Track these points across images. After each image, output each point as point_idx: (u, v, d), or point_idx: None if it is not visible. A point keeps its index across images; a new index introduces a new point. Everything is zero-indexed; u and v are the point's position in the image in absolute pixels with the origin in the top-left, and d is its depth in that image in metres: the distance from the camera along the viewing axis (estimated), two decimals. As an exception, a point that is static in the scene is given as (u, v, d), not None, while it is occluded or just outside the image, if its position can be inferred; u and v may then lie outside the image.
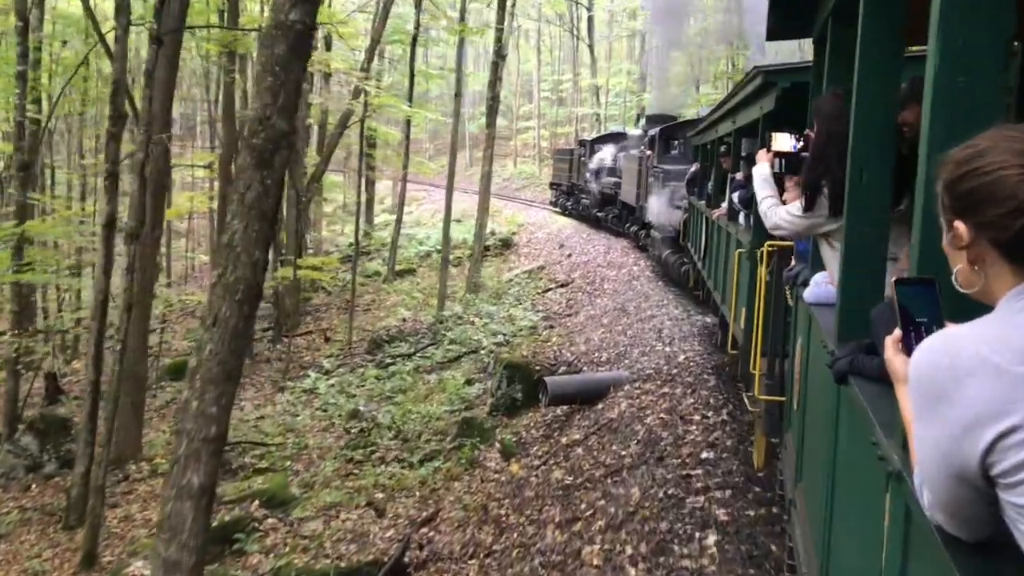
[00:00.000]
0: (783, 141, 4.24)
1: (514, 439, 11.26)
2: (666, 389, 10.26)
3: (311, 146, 25.62)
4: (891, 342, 1.68)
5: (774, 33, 5.27)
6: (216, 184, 22.69)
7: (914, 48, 3.87)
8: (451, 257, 28.29)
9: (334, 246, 35.38)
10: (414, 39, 26.44)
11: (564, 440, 10.44)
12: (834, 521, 2.93)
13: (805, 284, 4.16)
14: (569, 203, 32.33)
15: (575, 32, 47.32)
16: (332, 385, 16.79)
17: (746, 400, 6.96)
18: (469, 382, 14.97)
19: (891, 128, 3.04)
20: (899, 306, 1.62)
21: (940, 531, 1.46)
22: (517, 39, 62.77)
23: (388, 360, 17.61)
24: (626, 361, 12.25)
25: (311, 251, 33.35)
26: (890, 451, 1.96)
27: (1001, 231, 1.35)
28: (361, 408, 14.04)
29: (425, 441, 12.36)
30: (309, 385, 16.96)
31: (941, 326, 1.58)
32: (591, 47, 45.15)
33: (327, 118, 26.36)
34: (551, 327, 17.61)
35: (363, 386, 16.23)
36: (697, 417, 8.77)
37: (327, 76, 25.70)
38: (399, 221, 27.17)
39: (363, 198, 22.64)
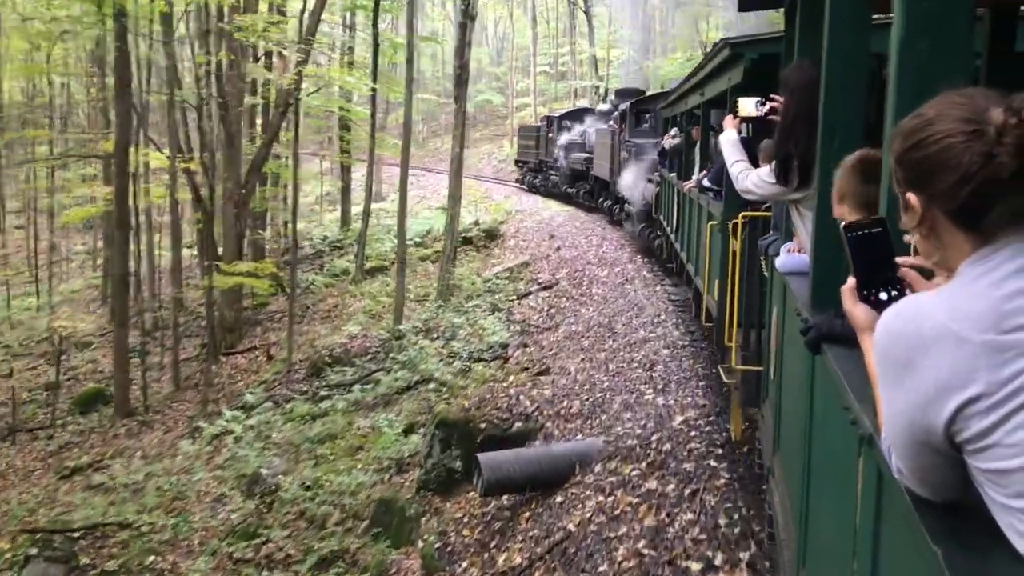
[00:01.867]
0: (748, 106, 4.28)
1: (439, 543, 7.87)
2: (652, 484, 6.75)
3: (256, 127, 22.36)
4: (847, 291, 1.76)
5: (747, 4, 5.43)
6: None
7: (881, 16, 3.90)
8: (428, 253, 25.35)
9: (306, 240, 32.22)
10: (376, 3, 23.01)
11: (501, 560, 7.01)
12: (811, 488, 3.00)
13: (778, 253, 4.17)
14: (537, 180, 32.00)
15: (572, -1, 44.00)
16: (251, 427, 13.57)
17: (722, 372, 6.75)
18: (410, 429, 11.67)
19: (861, 95, 3.10)
20: (851, 252, 1.65)
21: (910, 493, 1.50)
22: (511, 8, 59.54)
23: (324, 392, 14.38)
24: (603, 417, 8.73)
25: (284, 244, 30.42)
26: (861, 415, 2.01)
27: (951, 200, 1.38)
28: (264, 471, 10.70)
29: (331, 532, 9.01)
30: (224, 426, 13.77)
31: (894, 269, 1.65)
32: (587, 12, 41.52)
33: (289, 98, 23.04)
34: (523, 346, 14.26)
35: (285, 429, 13.07)
36: (696, 565, 5.30)
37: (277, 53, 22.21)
38: (367, 213, 23.73)
39: (292, 189, 19.22)
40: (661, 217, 14.02)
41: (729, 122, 4.50)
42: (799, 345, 2.93)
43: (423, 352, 14.02)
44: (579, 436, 8.57)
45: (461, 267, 22.23)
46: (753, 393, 5.68)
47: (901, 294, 1.64)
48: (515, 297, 17.81)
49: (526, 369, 12.87)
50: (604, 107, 25.25)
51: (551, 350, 13.30)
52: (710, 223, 7.63)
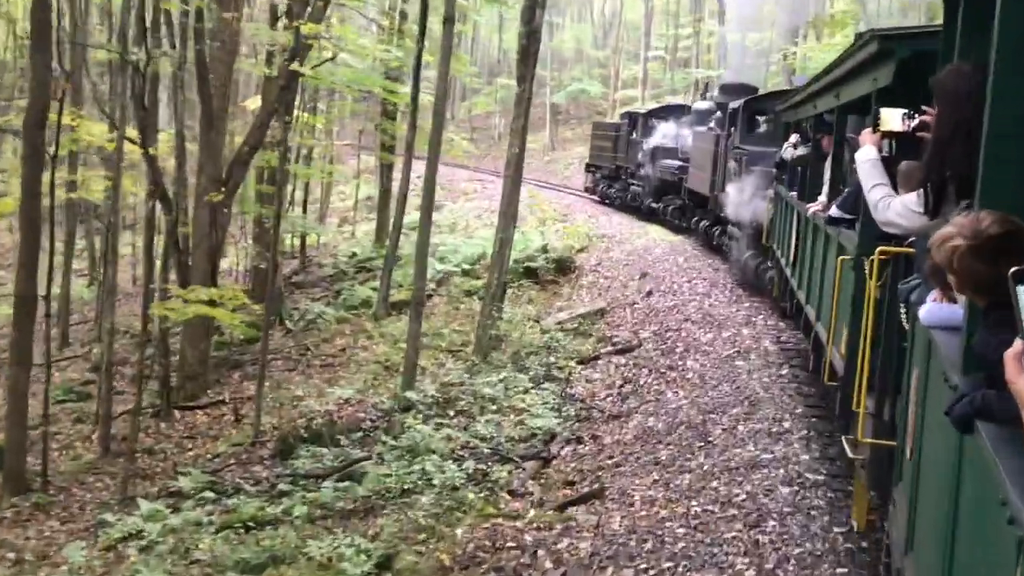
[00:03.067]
0: (893, 119, 4.48)
1: None
2: None
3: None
4: (1011, 358, 1.95)
5: None
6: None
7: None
8: (478, 285, 23.55)
9: (329, 257, 30.84)
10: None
11: None
12: (954, 601, 3.15)
13: (923, 302, 4.31)
14: (612, 190, 32.41)
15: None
16: (172, 530, 11.56)
17: (846, 445, 6.80)
18: (386, 565, 9.48)
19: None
20: (1019, 308, 1.78)
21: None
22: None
23: (285, 484, 12.33)
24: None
25: (292, 264, 28.85)
26: (1023, 513, 2.07)
27: None
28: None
29: None
30: (136, 525, 11.83)
31: None
32: (720, -15, 39.81)
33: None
34: (576, 440, 11.94)
35: (216, 542, 10.99)
36: None
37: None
38: (397, 228, 21.88)
39: (277, 190, 17.36)
40: (774, 245, 14.14)
41: (868, 137, 4.66)
42: (945, 420, 3.04)
43: (426, 438, 11.81)
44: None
45: (515, 308, 20.26)
46: (884, 474, 5.75)
47: None
48: (578, 361, 15.67)
49: (571, 484, 10.59)
50: (704, 105, 25.14)
51: (612, 455, 10.92)
52: (840, 258, 7.67)
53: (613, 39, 56.60)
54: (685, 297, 17.60)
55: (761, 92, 20.89)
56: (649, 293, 18.65)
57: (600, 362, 15.55)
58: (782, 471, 8.34)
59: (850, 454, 6.74)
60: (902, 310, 5.29)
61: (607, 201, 33.09)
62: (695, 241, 22.70)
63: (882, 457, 5.83)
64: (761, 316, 15.14)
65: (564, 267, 23.28)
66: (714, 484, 8.51)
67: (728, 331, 14.45)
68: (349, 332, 21.83)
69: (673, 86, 48.87)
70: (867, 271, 6.34)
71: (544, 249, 23.96)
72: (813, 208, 9.92)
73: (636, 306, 18.46)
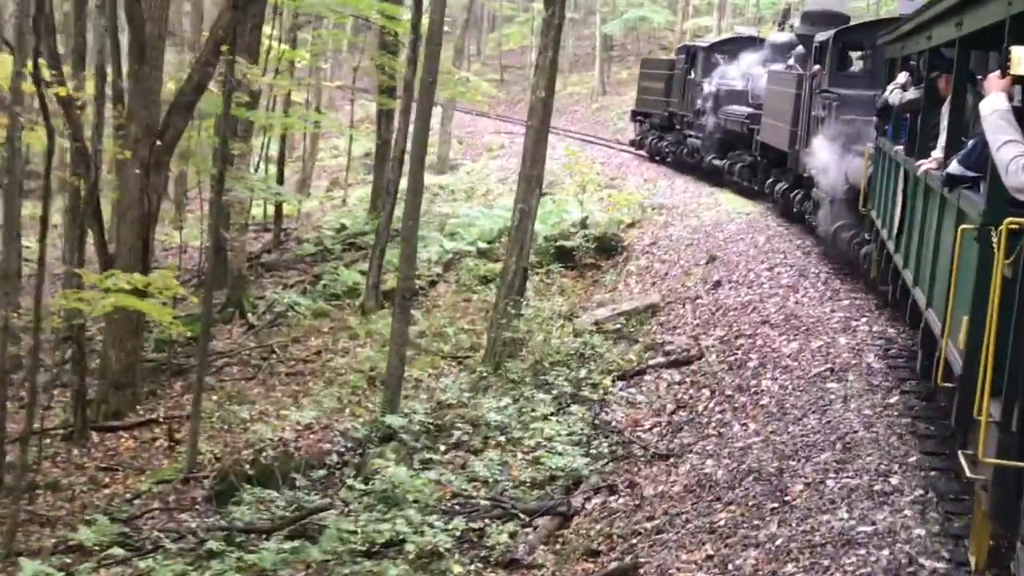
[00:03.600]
0: None
1: None
2: None
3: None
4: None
5: None
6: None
7: None
8: (497, 269, 22.81)
9: (312, 231, 30.08)
10: None
11: None
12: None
13: None
14: (664, 143, 32.77)
15: None
16: None
17: (963, 461, 6.66)
18: None
19: None
20: None
21: None
22: None
23: (216, 541, 11.47)
24: None
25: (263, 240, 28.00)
26: None
27: None
28: None
29: None
30: None
31: None
32: None
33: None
34: (607, 489, 11.02)
35: None
36: None
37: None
38: (392, 196, 20.89)
39: (221, 146, 16.51)
40: (874, 213, 14.32)
41: (996, 82, 5.30)
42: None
43: (401, 486, 10.87)
44: None
45: (541, 301, 19.47)
46: (1011, 501, 5.86)
47: None
48: (618, 376, 14.76)
49: (594, 554, 9.65)
50: (782, 37, 25.57)
51: (653, 514, 9.97)
52: (961, 227, 7.66)
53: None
54: (764, 291, 16.74)
55: (854, 22, 21.20)
56: (717, 284, 17.98)
57: (647, 378, 14.93)
58: (886, 553, 7.34)
59: (968, 473, 6.67)
60: None
61: (658, 157, 33.41)
62: (775, 212, 22.28)
63: (1009, 479, 5.87)
64: (864, 319, 14.10)
65: (608, 247, 23.04)
66: (789, 569, 7.52)
67: (819, 340, 13.42)
68: (328, 329, 21.20)
69: (759, 13, 47.95)
70: (994, 244, 6.29)
71: (583, 224, 23.71)
72: (925, 165, 9.94)
73: (699, 301, 17.72)
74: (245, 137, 22.81)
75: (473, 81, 27.94)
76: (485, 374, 15.92)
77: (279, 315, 21.96)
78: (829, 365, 12.46)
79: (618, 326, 17.55)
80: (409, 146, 20.46)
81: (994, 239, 6.33)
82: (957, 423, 7.76)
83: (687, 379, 14.19)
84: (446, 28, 27.43)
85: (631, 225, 24.27)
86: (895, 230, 11.92)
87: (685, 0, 49.75)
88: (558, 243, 22.50)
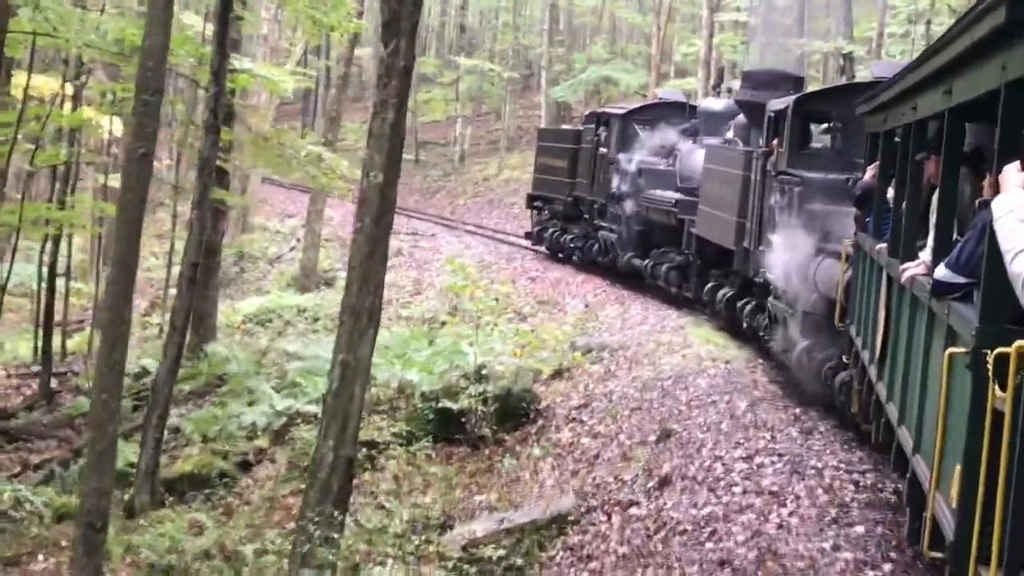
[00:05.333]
0: None
1: None
2: None
3: None
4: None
5: None
6: None
7: None
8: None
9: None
10: None
11: None
12: None
13: None
14: (569, 237, 32.98)
15: None
16: None
17: None
18: None
19: None
20: None
21: None
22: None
23: None
24: None
25: None
26: None
27: None
28: None
29: None
30: None
31: None
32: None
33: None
34: None
35: None
36: None
37: None
38: (180, 330, 18.12)
39: None
40: (852, 330, 14.45)
41: (1015, 176, 5.79)
42: None
43: None
44: None
45: (399, 502, 17.87)
46: None
47: None
48: None
49: None
50: (717, 104, 26.51)
51: None
52: (949, 351, 7.93)
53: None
54: (733, 499, 14.72)
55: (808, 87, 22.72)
56: (665, 482, 16.38)
57: None
58: None
59: None
60: None
61: (559, 254, 33.73)
62: (766, 361, 21.00)
63: None
64: (890, 568, 11.84)
65: (516, 412, 21.00)
66: None
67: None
68: (67, 543, 17.92)
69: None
70: (988, 371, 6.66)
71: (478, 375, 21.14)
72: (911, 270, 9.94)
73: (633, 512, 15.71)
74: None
75: (330, 160, 25.47)
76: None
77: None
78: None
79: (502, 552, 15.54)
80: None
81: (988, 365, 6.73)
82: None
83: None
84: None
85: (555, 375, 23.06)
86: (877, 352, 12.19)
87: (659, 51, 46.09)
88: (440, 404, 20.23)
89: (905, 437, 10.35)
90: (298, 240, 39.39)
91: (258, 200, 45.27)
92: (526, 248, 38.23)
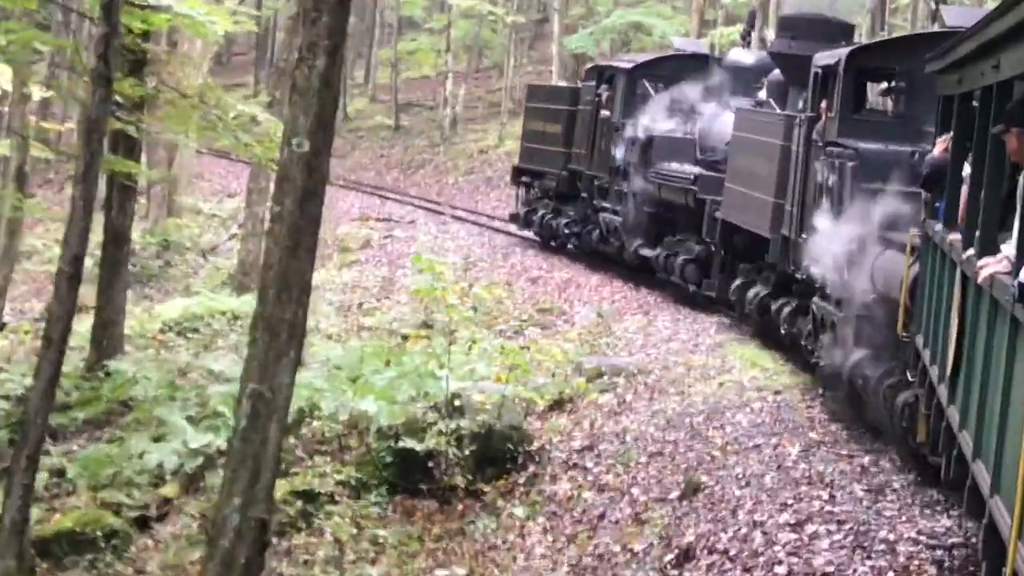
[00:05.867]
0: None
1: None
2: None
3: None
4: None
5: None
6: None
7: None
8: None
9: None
10: None
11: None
12: None
13: None
14: (563, 220, 31.03)
15: None
16: None
17: None
18: None
19: None
20: None
21: None
22: None
23: None
24: None
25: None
26: None
27: None
28: None
29: None
30: None
31: None
32: None
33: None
34: None
35: None
36: None
37: None
38: (57, 344, 16.16)
39: None
40: (919, 340, 13.57)
41: None
42: None
43: None
44: None
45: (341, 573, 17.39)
46: None
47: None
48: None
49: None
50: (745, 56, 25.64)
51: None
52: None
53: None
54: None
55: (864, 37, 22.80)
56: (686, 558, 15.68)
57: None
58: None
59: None
60: None
61: (549, 242, 31.74)
62: (823, 394, 19.38)
63: None
64: None
65: (499, 456, 19.76)
66: None
67: None
68: None
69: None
70: None
71: (452, 406, 19.48)
72: (991, 267, 9.39)
73: None
74: None
75: (268, 125, 23.43)
76: None
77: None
78: None
79: None
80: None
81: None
82: None
83: None
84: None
85: (554, 407, 21.65)
86: (949, 369, 11.35)
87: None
88: (401, 443, 18.58)
89: (981, 474, 9.83)
90: (239, 226, 36.36)
91: (190, 175, 42.27)
92: (528, 240, 35.84)
